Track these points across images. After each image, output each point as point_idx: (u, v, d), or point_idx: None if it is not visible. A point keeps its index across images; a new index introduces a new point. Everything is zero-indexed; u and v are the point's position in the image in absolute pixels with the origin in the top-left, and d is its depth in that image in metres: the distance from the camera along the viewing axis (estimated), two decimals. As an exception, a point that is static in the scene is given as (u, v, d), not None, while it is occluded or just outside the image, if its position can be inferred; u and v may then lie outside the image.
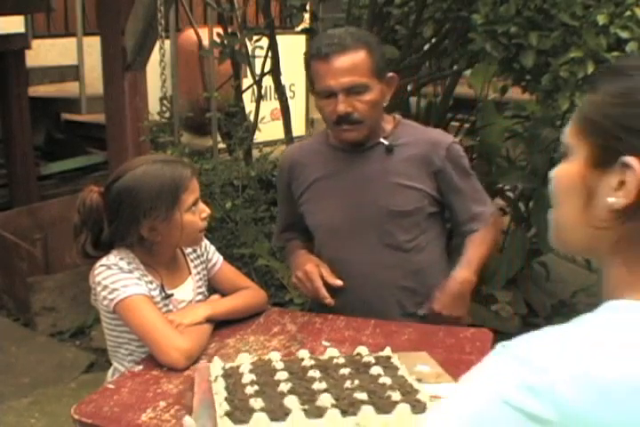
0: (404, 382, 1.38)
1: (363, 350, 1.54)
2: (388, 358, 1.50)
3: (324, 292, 1.84)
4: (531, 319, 3.97)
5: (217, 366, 1.44)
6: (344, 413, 1.24)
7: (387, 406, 1.26)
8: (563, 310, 4.17)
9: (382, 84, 1.84)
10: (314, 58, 1.82)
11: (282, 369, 1.42)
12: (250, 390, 1.33)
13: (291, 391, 1.32)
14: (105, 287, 1.61)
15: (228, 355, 1.61)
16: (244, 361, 1.48)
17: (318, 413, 1.23)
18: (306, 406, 1.26)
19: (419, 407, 1.26)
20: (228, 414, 1.25)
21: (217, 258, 1.88)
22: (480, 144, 3.81)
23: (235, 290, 1.85)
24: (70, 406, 1.39)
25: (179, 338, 1.57)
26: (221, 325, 1.74)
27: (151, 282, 1.69)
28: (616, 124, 0.79)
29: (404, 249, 1.91)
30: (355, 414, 1.23)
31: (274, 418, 1.21)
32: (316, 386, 1.34)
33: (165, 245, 1.70)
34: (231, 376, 1.41)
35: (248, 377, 1.39)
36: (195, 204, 1.68)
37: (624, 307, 0.75)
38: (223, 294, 1.84)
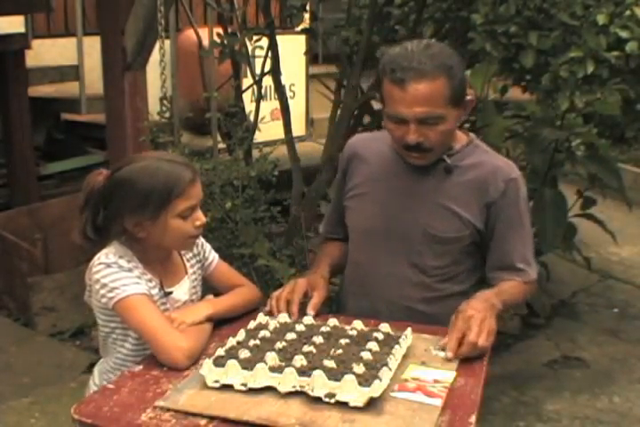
0: (382, 359, 1.46)
1: (384, 326, 1.65)
2: (398, 337, 1.58)
3: (294, 309, 1.74)
4: (531, 319, 3.97)
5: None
6: (302, 373, 1.39)
7: (340, 374, 1.38)
8: (563, 310, 4.17)
9: (459, 110, 1.73)
10: (387, 77, 1.69)
11: (296, 331, 1.61)
12: (252, 342, 1.54)
13: (280, 349, 1.50)
14: (104, 286, 1.61)
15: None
16: (279, 320, 1.70)
17: (280, 369, 1.41)
18: (277, 363, 1.44)
19: (367, 381, 1.36)
20: (216, 358, 1.47)
21: (213, 256, 1.88)
22: (480, 144, 3.80)
23: (231, 287, 1.85)
24: (70, 406, 1.39)
25: (180, 338, 1.56)
26: (221, 324, 1.74)
27: (150, 280, 1.69)
28: None
29: (430, 274, 1.83)
30: (309, 376, 1.38)
31: (244, 367, 1.42)
32: (305, 349, 1.50)
33: (152, 244, 1.69)
34: (255, 330, 1.63)
35: (263, 333, 1.59)
36: (190, 210, 1.65)
37: None
38: (218, 293, 1.84)
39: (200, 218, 1.69)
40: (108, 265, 1.63)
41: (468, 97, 1.75)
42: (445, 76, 1.66)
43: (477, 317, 1.58)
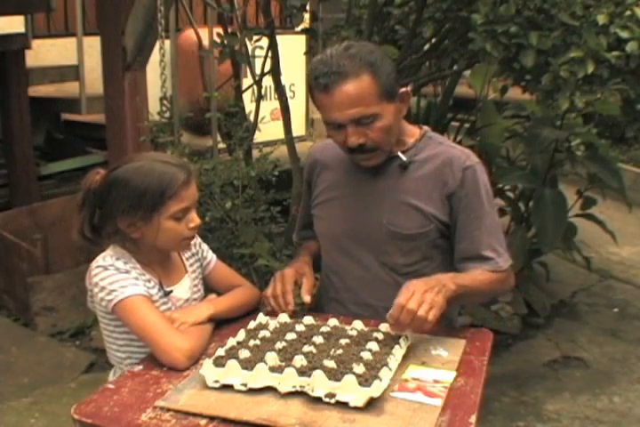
0: (382, 359, 1.47)
1: (384, 326, 1.64)
2: (398, 337, 1.59)
3: (288, 298, 1.76)
4: (531, 319, 3.98)
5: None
6: (302, 373, 1.39)
7: (340, 374, 1.38)
8: (563, 310, 4.18)
9: (394, 104, 1.71)
10: (313, 86, 1.68)
11: (296, 331, 1.62)
12: (252, 342, 1.55)
13: (280, 350, 1.50)
14: (102, 289, 1.61)
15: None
16: (279, 320, 1.70)
17: (280, 369, 1.41)
18: (277, 363, 1.45)
19: (367, 381, 1.36)
20: (216, 358, 1.47)
21: (211, 256, 1.88)
22: (480, 144, 3.81)
23: (230, 288, 1.85)
24: (70, 406, 1.39)
25: (180, 338, 1.56)
26: (221, 324, 1.74)
27: (149, 280, 1.68)
28: None
29: (401, 272, 1.81)
30: (309, 376, 1.38)
31: (244, 367, 1.42)
32: (305, 349, 1.50)
33: (147, 244, 1.68)
34: (255, 330, 1.64)
35: (263, 333, 1.60)
36: (183, 211, 1.65)
37: None
38: (217, 293, 1.84)
39: (194, 220, 1.68)
40: (106, 268, 1.63)
41: (402, 89, 1.74)
42: (369, 73, 1.65)
43: (420, 289, 1.55)
